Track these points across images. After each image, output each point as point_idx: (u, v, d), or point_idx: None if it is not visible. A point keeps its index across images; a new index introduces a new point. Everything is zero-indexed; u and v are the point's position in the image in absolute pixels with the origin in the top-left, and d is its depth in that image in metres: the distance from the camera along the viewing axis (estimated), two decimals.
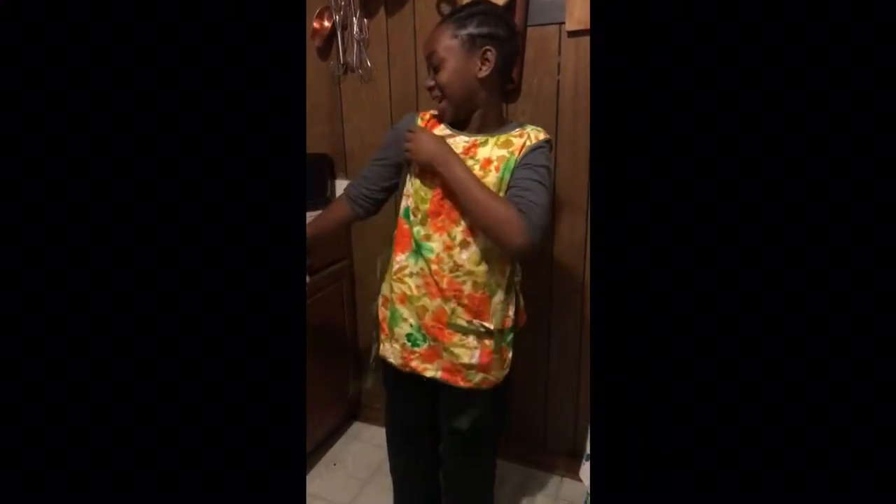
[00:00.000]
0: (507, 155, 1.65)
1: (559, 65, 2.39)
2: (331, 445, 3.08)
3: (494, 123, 1.76)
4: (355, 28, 2.72)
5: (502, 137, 1.69)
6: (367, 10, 2.70)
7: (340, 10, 2.71)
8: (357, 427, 3.28)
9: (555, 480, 2.83)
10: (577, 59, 2.34)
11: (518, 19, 2.36)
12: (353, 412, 3.35)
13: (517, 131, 1.71)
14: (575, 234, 2.53)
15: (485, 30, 1.68)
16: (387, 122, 2.81)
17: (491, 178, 1.65)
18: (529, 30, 2.40)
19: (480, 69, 1.68)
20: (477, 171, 1.65)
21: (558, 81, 2.40)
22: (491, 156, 1.67)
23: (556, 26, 2.34)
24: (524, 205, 1.57)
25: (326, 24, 2.78)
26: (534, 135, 1.69)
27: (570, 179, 2.48)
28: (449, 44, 1.66)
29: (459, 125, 1.78)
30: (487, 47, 1.67)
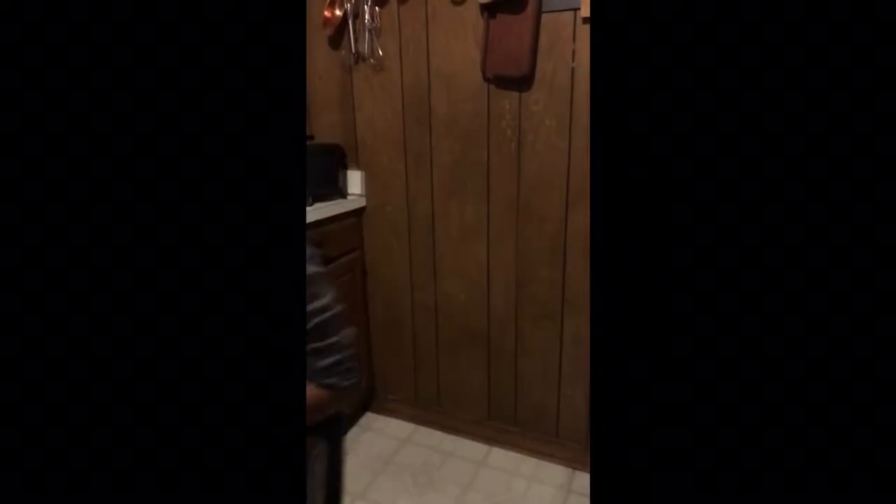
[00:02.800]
0: None
1: (574, 52, 2.38)
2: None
3: None
4: (367, 16, 2.73)
5: None
6: None
7: None
8: (369, 417, 3.30)
9: (567, 472, 2.84)
10: None
11: (532, 5, 2.35)
12: (365, 403, 3.36)
13: None
14: (588, 223, 2.52)
15: None
16: (399, 111, 2.82)
17: None
18: (544, 16, 2.40)
19: None
20: None
21: (573, 69, 2.40)
22: None
23: (571, 12, 2.34)
24: None
25: (338, 13, 2.78)
26: None
27: (584, 168, 2.48)
28: None
29: None
30: None
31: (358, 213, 3.00)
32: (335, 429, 1.64)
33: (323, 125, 3.03)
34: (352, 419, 3.24)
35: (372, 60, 2.79)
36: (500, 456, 2.95)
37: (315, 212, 2.56)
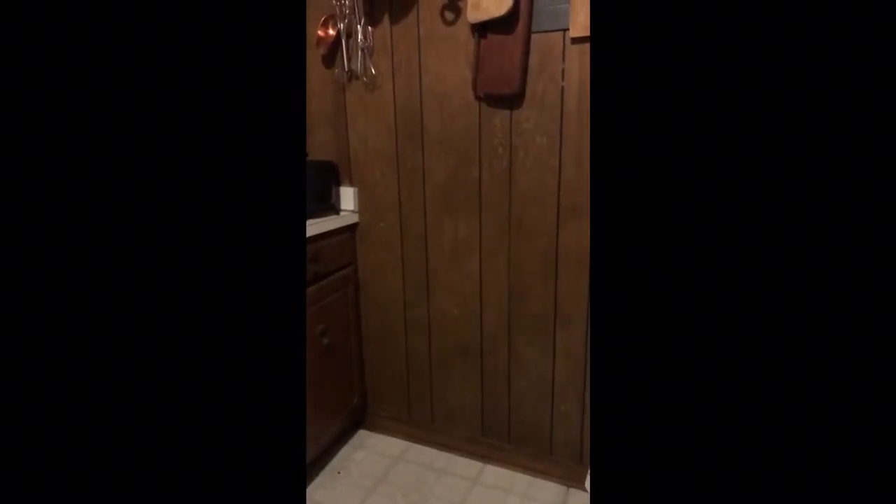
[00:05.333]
0: None
1: (563, 71, 2.40)
2: (335, 453, 3.08)
3: None
4: (360, 36, 2.73)
5: None
6: (372, 18, 2.72)
7: (345, 19, 2.73)
8: (362, 435, 3.28)
9: (561, 490, 2.82)
10: (580, 65, 2.35)
11: (522, 25, 2.37)
12: (358, 420, 3.35)
13: None
14: (580, 240, 2.54)
15: None
16: (391, 128, 2.82)
17: None
18: (534, 36, 2.41)
19: None
20: None
21: (562, 87, 2.41)
22: None
23: (560, 33, 2.36)
24: None
25: (331, 32, 2.80)
26: None
27: (575, 185, 2.49)
28: None
29: None
30: None
31: (351, 229, 2.99)
32: None
33: (316, 142, 3.03)
34: (343, 437, 3.21)
35: (365, 79, 2.79)
36: (494, 473, 2.94)
37: (308, 228, 2.55)
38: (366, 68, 2.79)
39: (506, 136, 2.59)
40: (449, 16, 2.55)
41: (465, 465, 3.01)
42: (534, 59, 2.44)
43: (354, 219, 3.01)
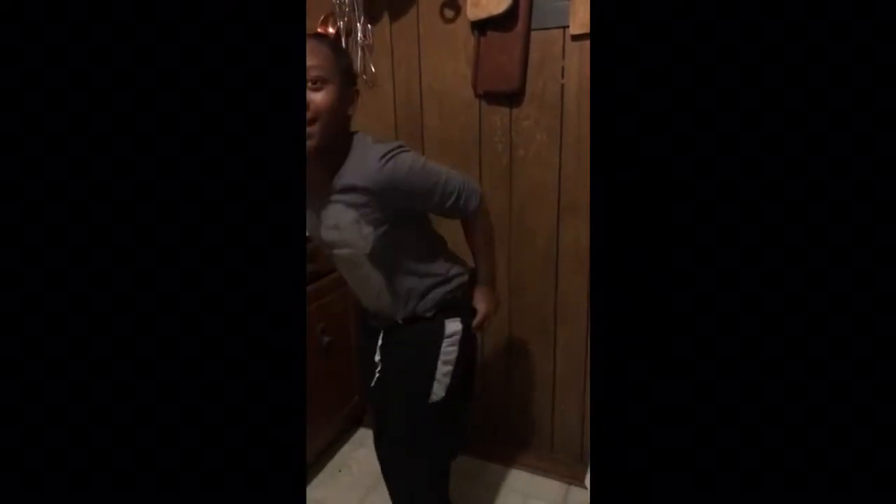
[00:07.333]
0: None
1: (563, 68, 2.39)
2: (336, 451, 3.08)
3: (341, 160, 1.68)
4: (359, 34, 2.73)
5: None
6: (371, 15, 2.71)
7: (345, 17, 2.72)
8: (363, 433, 3.28)
9: (561, 487, 2.82)
10: (580, 62, 2.35)
11: (521, 23, 2.37)
12: (358, 418, 3.34)
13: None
14: (580, 237, 2.54)
15: (353, 72, 1.71)
16: (391, 127, 2.82)
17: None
18: (533, 34, 2.41)
19: (352, 106, 1.66)
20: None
21: (562, 85, 2.41)
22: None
23: (560, 30, 2.36)
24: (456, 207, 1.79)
25: (331, 30, 2.80)
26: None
27: (575, 183, 2.49)
28: (332, 66, 1.56)
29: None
30: (356, 88, 1.69)
31: None
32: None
33: None
34: (344, 435, 3.21)
35: (364, 77, 2.80)
36: (495, 471, 2.94)
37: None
38: (365, 66, 2.79)
39: (505, 134, 2.59)
40: (448, 13, 2.55)
41: (465, 463, 3.00)
42: (534, 57, 2.45)
43: None
